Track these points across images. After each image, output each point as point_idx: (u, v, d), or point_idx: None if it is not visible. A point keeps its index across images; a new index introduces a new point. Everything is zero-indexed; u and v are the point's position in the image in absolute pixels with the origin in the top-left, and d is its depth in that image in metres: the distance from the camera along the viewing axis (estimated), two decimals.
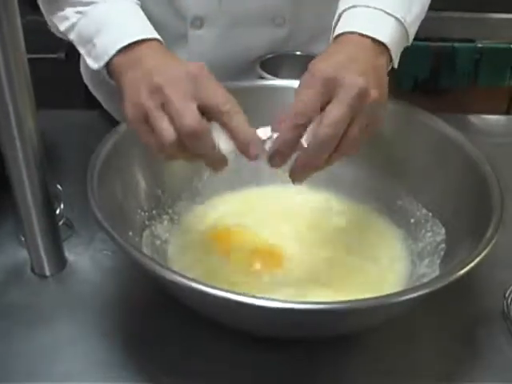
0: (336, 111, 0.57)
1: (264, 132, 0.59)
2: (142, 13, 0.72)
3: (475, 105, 1.91)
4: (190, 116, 0.56)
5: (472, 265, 0.53)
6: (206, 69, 0.60)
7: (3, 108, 0.60)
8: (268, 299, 0.50)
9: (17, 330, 0.64)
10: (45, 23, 0.83)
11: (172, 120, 0.57)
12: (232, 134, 0.58)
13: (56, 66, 0.90)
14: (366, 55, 0.62)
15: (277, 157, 0.59)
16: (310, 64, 0.60)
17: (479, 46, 1.82)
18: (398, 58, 0.68)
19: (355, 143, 0.59)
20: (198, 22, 0.87)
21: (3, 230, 0.75)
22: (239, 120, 0.57)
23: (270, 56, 0.84)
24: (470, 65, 1.80)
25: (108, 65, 0.68)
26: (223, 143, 0.58)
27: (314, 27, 0.91)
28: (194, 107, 0.57)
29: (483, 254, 0.55)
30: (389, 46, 0.64)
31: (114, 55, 0.66)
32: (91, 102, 1.00)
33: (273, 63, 0.83)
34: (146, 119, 0.58)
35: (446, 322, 0.67)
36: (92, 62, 0.70)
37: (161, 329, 0.65)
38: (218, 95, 0.58)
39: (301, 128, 0.58)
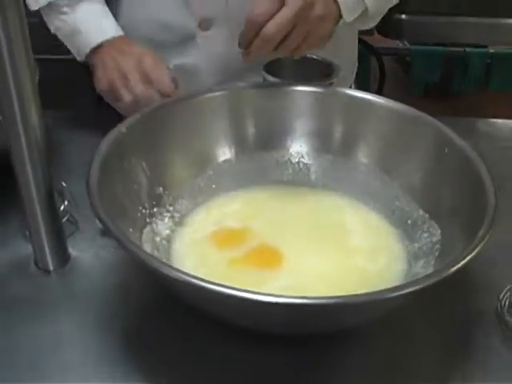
0: (282, 15, 0.71)
1: None
2: (103, 13, 0.91)
3: (486, 110, 1.91)
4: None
5: (461, 264, 0.54)
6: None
7: (9, 106, 0.62)
8: (260, 293, 0.51)
9: (19, 323, 0.65)
10: None
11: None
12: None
13: (65, 66, 0.94)
14: None
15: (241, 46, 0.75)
16: None
17: (491, 51, 1.81)
18: (350, 17, 0.79)
19: (293, 44, 0.73)
20: (206, 23, 0.89)
21: (8, 226, 0.76)
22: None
23: (274, 59, 0.85)
24: (481, 70, 1.80)
25: (86, 60, 0.91)
26: None
27: None
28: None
29: (473, 253, 0.55)
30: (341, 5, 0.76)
31: (87, 56, 0.89)
32: (99, 102, 1.02)
33: (276, 65, 0.84)
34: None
35: (440, 323, 0.67)
36: (76, 56, 0.92)
37: (161, 325, 0.65)
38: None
39: (257, 26, 0.72)
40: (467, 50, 1.79)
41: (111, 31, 0.89)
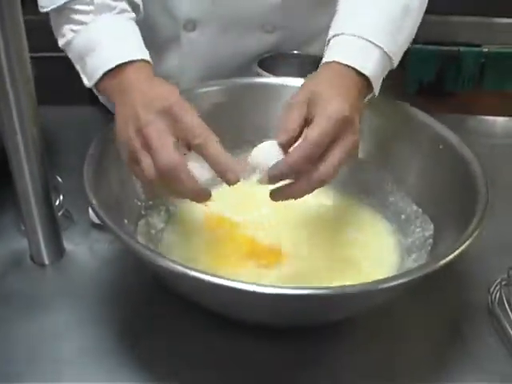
0: (319, 130, 0.59)
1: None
2: (132, 29, 0.73)
3: (480, 108, 1.91)
4: (166, 154, 0.59)
5: (452, 256, 0.55)
6: (178, 98, 0.62)
7: (5, 102, 0.62)
8: (251, 284, 0.52)
9: (15, 316, 0.66)
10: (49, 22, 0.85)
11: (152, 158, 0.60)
12: (210, 163, 0.60)
13: (61, 64, 0.92)
14: (350, 85, 0.65)
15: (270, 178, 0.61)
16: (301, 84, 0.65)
17: (485, 50, 1.82)
18: (379, 85, 0.70)
19: (334, 168, 0.60)
20: (191, 24, 0.89)
21: (4, 220, 0.76)
22: (214, 149, 0.60)
23: (268, 55, 0.86)
24: (475, 69, 1.81)
25: (97, 85, 0.70)
26: (207, 170, 0.60)
27: (304, 33, 0.93)
28: (169, 144, 0.59)
29: (464, 246, 0.56)
30: (371, 80, 0.67)
31: (101, 78, 0.68)
32: (94, 100, 1.02)
33: (270, 62, 0.84)
34: (135, 158, 0.61)
35: (431, 317, 0.68)
36: (85, 79, 0.72)
37: (156, 317, 0.66)
38: (192, 128, 0.60)
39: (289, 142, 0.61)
40: (461, 49, 1.80)
41: (133, 53, 0.68)
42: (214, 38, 0.91)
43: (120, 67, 0.67)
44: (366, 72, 0.66)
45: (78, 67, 0.73)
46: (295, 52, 0.89)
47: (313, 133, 0.59)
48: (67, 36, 0.73)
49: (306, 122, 0.61)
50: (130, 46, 0.70)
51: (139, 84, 0.65)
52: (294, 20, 0.91)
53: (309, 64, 0.87)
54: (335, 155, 0.60)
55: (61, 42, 0.75)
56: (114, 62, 0.67)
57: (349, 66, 0.65)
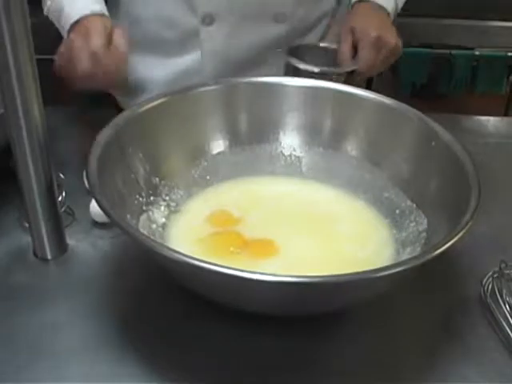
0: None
1: None
2: None
3: (472, 111, 1.92)
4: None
5: (444, 248, 0.56)
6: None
7: (12, 101, 0.64)
8: (251, 272, 0.54)
9: (19, 310, 0.67)
10: (50, 25, 0.90)
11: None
12: None
13: None
14: (383, 17, 0.93)
15: None
16: (352, 24, 0.91)
17: (477, 53, 1.84)
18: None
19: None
20: (209, 18, 0.91)
21: (8, 217, 0.77)
22: None
23: (296, 45, 0.91)
24: (467, 71, 1.82)
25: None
26: None
27: (307, 22, 0.97)
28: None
29: (456, 238, 0.58)
30: (390, 13, 0.94)
31: (68, 31, 0.85)
32: (95, 101, 1.04)
33: (299, 51, 0.88)
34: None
35: (425, 309, 0.69)
36: (63, 33, 0.88)
37: (157, 311, 0.67)
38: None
39: None
40: (453, 52, 1.81)
41: (89, 7, 0.85)
42: (232, 31, 0.93)
43: (77, 22, 0.84)
44: (387, 7, 0.94)
45: (58, 26, 0.90)
46: (321, 45, 0.95)
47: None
48: (47, 4, 0.91)
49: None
50: (83, 4, 0.85)
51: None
52: (301, 7, 0.95)
53: (331, 56, 0.92)
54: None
55: (45, 10, 0.92)
56: (72, 19, 0.85)
57: (374, 3, 0.93)
